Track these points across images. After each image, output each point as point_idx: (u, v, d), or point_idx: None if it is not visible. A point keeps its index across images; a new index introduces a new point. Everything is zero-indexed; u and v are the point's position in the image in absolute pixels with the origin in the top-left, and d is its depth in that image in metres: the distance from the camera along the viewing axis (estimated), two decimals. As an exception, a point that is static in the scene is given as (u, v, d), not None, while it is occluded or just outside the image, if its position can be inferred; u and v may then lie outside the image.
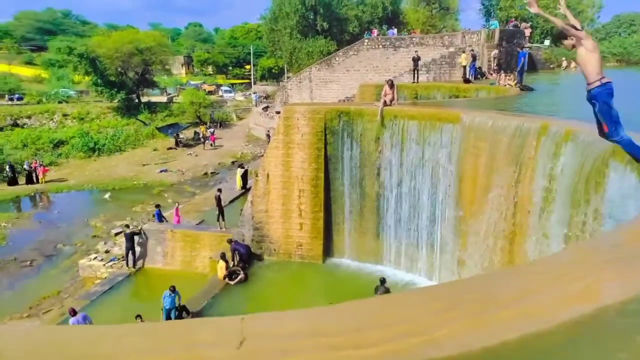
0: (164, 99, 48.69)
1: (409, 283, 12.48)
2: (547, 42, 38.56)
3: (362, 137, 13.24)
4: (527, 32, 32.74)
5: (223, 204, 16.41)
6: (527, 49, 31.44)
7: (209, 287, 13.06)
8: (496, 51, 24.39)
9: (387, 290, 10.77)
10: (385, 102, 12.86)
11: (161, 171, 30.06)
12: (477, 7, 56.06)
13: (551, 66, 34.74)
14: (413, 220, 12.68)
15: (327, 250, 14.18)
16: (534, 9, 5.30)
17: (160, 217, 16.67)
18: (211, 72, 77.93)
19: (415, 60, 24.78)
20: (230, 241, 14.13)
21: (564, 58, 34.80)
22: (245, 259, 13.85)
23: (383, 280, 11.12)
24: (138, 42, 40.85)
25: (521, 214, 8.98)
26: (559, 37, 5.59)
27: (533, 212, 8.49)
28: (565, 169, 7.58)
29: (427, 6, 49.68)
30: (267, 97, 53.67)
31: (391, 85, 13.06)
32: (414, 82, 24.29)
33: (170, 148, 35.89)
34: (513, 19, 36.28)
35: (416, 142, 12.21)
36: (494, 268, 9.68)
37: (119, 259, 15.71)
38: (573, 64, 33.13)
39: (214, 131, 37.65)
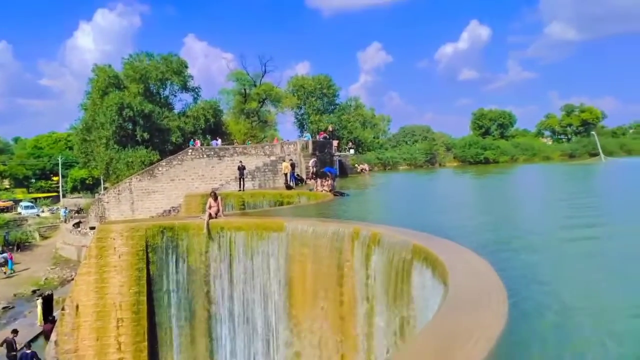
0: None
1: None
2: (352, 151, 44.84)
3: (189, 253, 12.61)
4: (335, 143, 37.73)
5: (18, 347, 13.26)
6: (337, 156, 36.35)
7: None
8: (314, 160, 27.11)
9: None
10: (210, 215, 12.69)
11: None
12: (292, 120, 62.65)
13: (358, 170, 40.15)
14: (250, 340, 12.09)
15: (155, 386, 12.33)
16: None
17: None
18: (8, 186, 67.27)
19: (241, 169, 25.86)
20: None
21: (358, 165, 41.02)
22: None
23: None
24: None
25: (348, 315, 9.35)
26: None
27: (358, 313, 8.93)
28: (377, 272, 8.32)
29: (247, 119, 53.50)
30: (79, 210, 48.15)
31: (215, 197, 13.07)
32: (240, 190, 25.02)
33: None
34: (322, 131, 41.50)
35: (244, 253, 12.11)
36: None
37: None
38: (365, 168, 39.89)
39: (7, 256, 31.38)
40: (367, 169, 41.44)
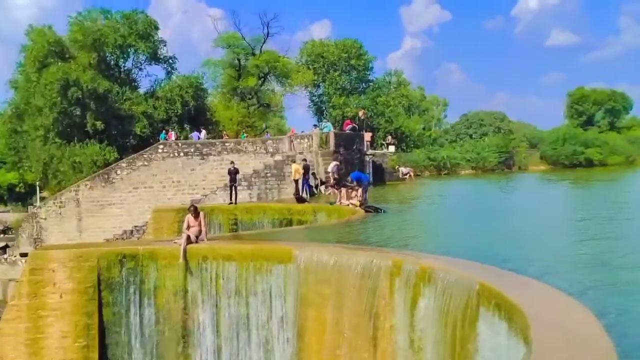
0: None
1: None
2: (391, 148, 44.98)
3: (158, 291, 12.79)
4: (367, 136, 37.79)
5: None
6: (371, 156, 36.47)
7: None
8: (335, 163, 27.18)
9: None
10: (189, 238, 12.86)
11: None
12: (306, 103, 63.18)
13: (400, 175, 40.30)
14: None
15: None
16: None
17: None
18: None
19: (233, 173, 26.19)
20: None
21: (400, 168, 41.22)
22: None
23: None
24: None
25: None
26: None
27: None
28: (427, 323, 8.27)
29: (242, 102, 54.16)
30: (5, 230, 49.12)
31: (196, 213, 13.25)
32: (231, 203, 25.34)
33: None
34: (349, 120, 41.70)
35: (237, 294, 12.20)
36: None
37: None
38: (409, 172, 40.22)
39: None
40: (413, 173, 41.80)
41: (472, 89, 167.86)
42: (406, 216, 20.07)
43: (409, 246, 12.15)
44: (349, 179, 21.78)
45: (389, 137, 49.28)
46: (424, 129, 69.25)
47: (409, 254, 10.38)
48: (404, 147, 58.37)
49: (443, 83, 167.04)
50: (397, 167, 41.79)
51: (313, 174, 27.92)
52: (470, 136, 72.01)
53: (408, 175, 41.13)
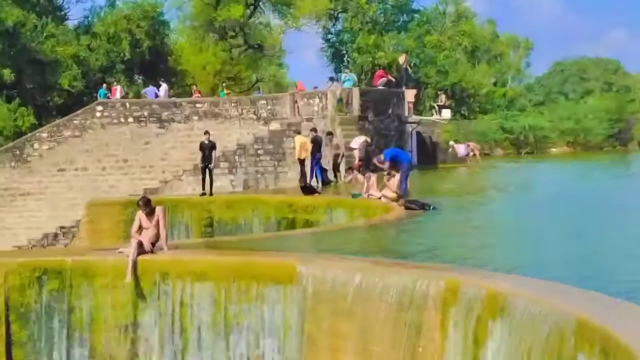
0: None
1: None
2: (445, 113, 44.65)
3: (95, 325, 12.78)
4: (411, 95, 37.44)
5: None
6: (414, 124, 35.98)
7: None
8: (364, 138, 27.00)
9: None
10: (141, 245, 12.83)
11: None
12: (319, 44, 62.33)
13: (458, 154, 39.74)
14: None
15: None
16: None
17: None
18: None
19: (207, 148, 25.87)
20: None
21: (458, 144, 40.53)
22: None
23: None
24: None
25: None
26: None
27: None
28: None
29: (220, 42, 53.96)
30: None
31: (149, 209, 13.25)
32: (204, 194, 25.34)
33: None
34: (381, 69, 41.29)
35: (212, 329, 12.20)
36: None
37: None
38: (473, 149, 39.31)
39: None
40: (477, 151, 40.60)
41: (571, 24, 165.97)
42: (466, 216, 19.91)
43: (470, 261, 12.00)
44: (381, 157, 21.70)
45: (442, 97, 48.94)
46: (495, 84, 68.58)
47: (470, 272, 10.32)
48: (465, 112, 57.68)
49: (525, 16, 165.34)
50: (454, 142, 41.07)
51: (338, 155, 27.77)
52: (566, 96, 71.48)
53: (470, 154, 40.19)
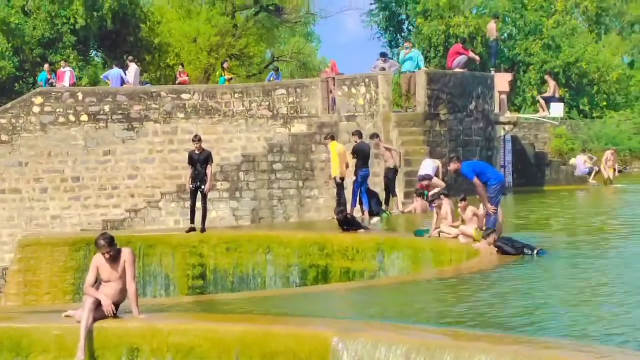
0: None
1: None
2: (557, 109, 38.02)
3: None
4: (504, 82, 33.45)
5: None
6: (508, 127, 31.41)
7: None
8: (438, 163, 24.01)
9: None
10: (99, 306, 10.75)
11: None
12: (365, 5, 56.96)
13: (577, 170, 34.98)
14: None
15: None
16: None
17: None
18: None
19: (198, 161, 22.33)
20: None
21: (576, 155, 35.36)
22: None
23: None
24: None
25: None
26: None
27: None
28: None
29: (219, 1, 48.35)
30: None
31: (113, 253, 11.05)
32: (193, 230, 21.95)
33: None
34: (459, 44, 34.80)
35: None
36: None
37: None
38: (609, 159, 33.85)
39: None
40: (613, 165, 35.01)
41: None
42: (588, 266, 16.84)
43: (598, 333, 9.48)
44: (451, 172, 19.09)
45: (551, 85, 39.40)
46: (631, 66, 60.64)
47: (600, 352, 8.08)
48: (586, 108, 49.88)
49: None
50: (581, 152, 36.00)
51: (392, 170, 24.33)
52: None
53: (594, 169, 34.71)
